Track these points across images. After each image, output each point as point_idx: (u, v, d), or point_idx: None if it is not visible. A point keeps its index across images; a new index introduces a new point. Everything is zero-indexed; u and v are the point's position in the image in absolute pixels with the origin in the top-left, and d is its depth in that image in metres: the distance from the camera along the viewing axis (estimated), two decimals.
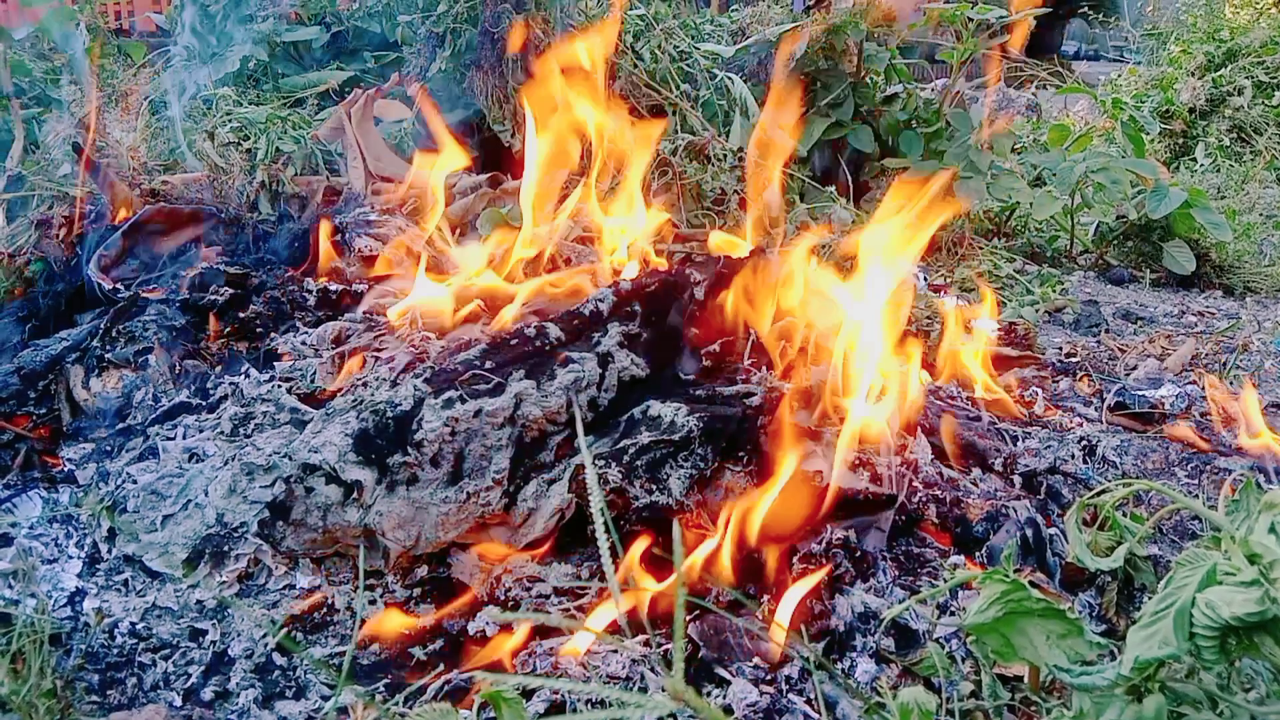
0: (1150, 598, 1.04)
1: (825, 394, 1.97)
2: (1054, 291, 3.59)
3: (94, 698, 1.48)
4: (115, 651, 1.57)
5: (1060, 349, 3.16)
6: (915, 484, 1.86)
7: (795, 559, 1.66)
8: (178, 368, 2.24)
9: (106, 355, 2.30)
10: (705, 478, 1.80)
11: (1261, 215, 5.03)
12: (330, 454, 1.75)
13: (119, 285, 2.56)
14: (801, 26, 4.62)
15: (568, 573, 1.71)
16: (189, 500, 1.84)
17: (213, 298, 2.40)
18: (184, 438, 2.03)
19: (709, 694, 1.45)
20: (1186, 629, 0.97)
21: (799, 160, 4.42)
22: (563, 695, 1.41)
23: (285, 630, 1.62)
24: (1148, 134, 5.26)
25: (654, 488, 1.72)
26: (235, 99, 3.89)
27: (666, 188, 3.91)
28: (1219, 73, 7.03)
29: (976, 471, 2.03)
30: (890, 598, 1.65)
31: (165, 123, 3.72)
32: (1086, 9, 10.50)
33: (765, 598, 1.62)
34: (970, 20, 4.44)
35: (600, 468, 1.72)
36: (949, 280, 3.75)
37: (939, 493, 1.86)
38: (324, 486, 1.74)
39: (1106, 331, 3.43)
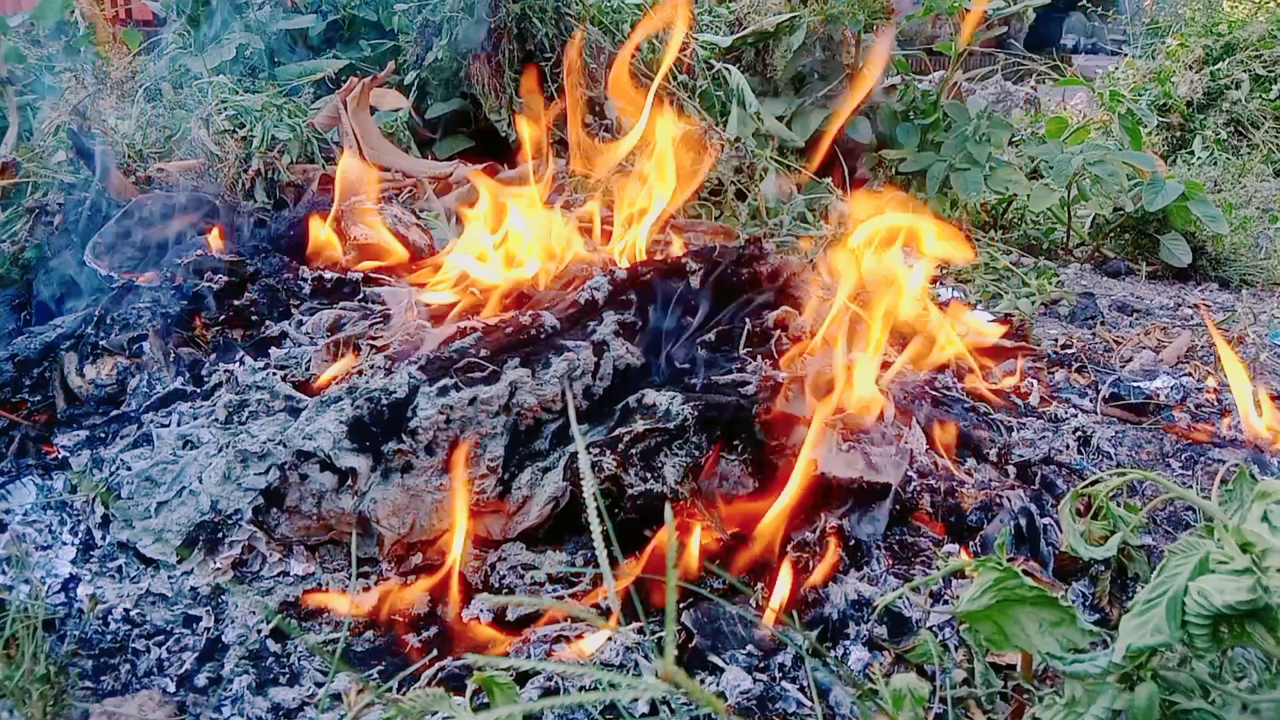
0: (1143, 587, 1.05)
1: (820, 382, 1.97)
2: (1050, 283, 3.59)
3: (87, 684, 1.47)
4: (109, 638, 1.56)
5: (1056, 341, 3.16)
6: (910, 473, 1.87)
7: (789, 547, 1.66)
8: (172, 354, 2.24)
9: (101, 342, 2.29)
10: (700, 466, 1.80)
11: (1258, 209, 5.03)
12: (325, 441, 1.75)
13: (114, 272, 2.55)
14: (799, 17, 4.61)
15: (562, 560, 1.71)
16: (183, 487, 1.84)
17: (208, 285, 2.40)
18: (178, 425, 2.03)
19: (702, 681, 1.45)
20: (1179, 617, 0.98)
21: (796, 151, 4.42)
22: (556, 681, 1.41)
23: (280, 616, 1.62)
24: (1145, 127, 5.27)
25: (649, 476, 1.72)
26: (231, 87, 3.87)
27: None
28: (1216, 66, 7.03)
29: (971, 461, 2.03)
30: (884, 586, 1.66)
31: (161, 110, 3.71)
32: (1086, 2, 10.49)
33: (759, 585, 1.62)
34: (967, 12, 4.43)
35: (595, 456, 1.72)
36: (945, 271, 3.75)
37: (933, 482, 1.86)
38: (318, 474, 1.74)
39: (1102, 324, 3.43)
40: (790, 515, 1.70)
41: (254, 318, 2.36)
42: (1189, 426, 2.42)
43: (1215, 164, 5.98)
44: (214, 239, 2.63)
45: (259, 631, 1.58)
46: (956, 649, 1.50)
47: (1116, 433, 2.33)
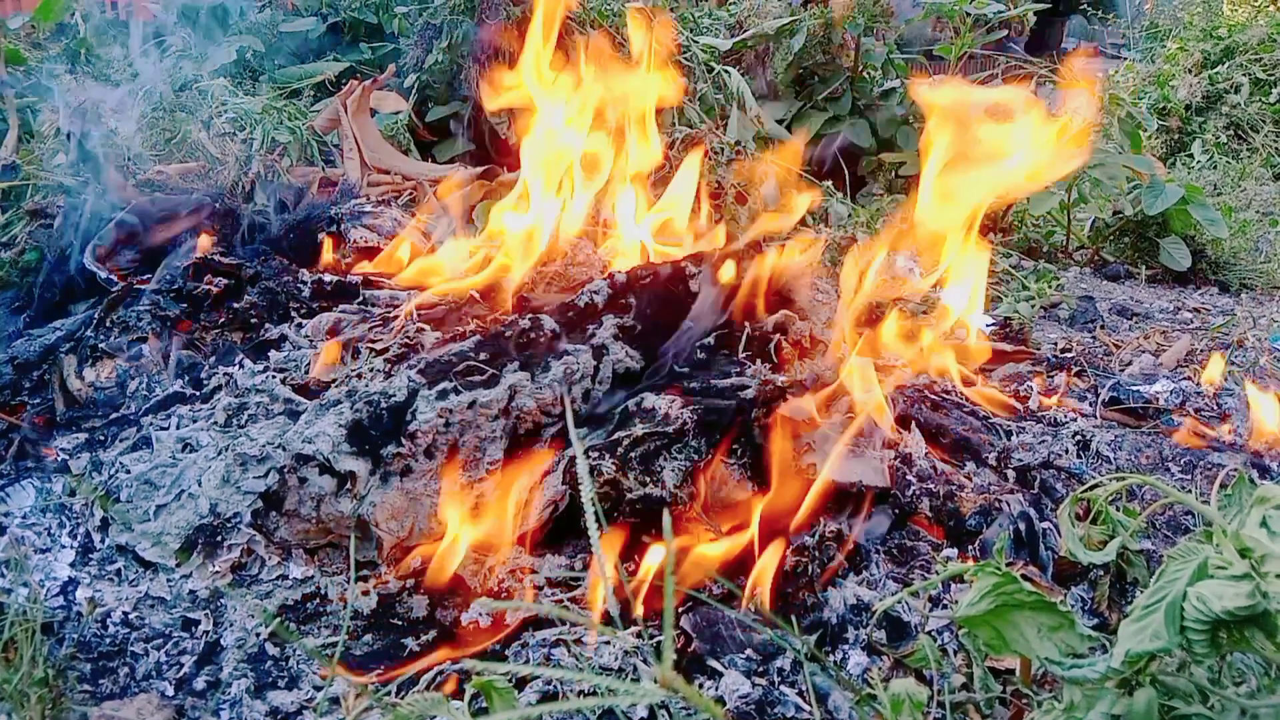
0: (1142, 592, 1.05)
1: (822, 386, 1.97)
2: (1050, 287, 3.59)
3: (86, 687, 1.47)
4: (107, 641, 1.56)
5: (1055, 344, 3.16)
6: (909, 477, 1.87)
7: (788, 551, 1.66)
8: (171, 357, 2.24)
9: (100, 345, 2.29)
10: (699, 470, 1.80)
11: (1257, 212, 5.03)
12: (324, 444, 1.75)
13: (113, 275, 2.55)
14: (799, 20, 4.62)
15: (561, 564, 1.71)
16: (182, 490, 1.84)
17: (207, 288, 2.40)
18: (178, 428, 2.03)
19: (701, 685, 1.45)
20: (1178, 622, 0.97)
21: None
22: (555, 685, 1.41)
23: (278, 620, 1.62)
24: (1145, 130, 5.26)
25: (647, 480, 1.72)
26: (231, 89, 3.88)
27: (663, 180, 3.91)
28: (1216, 70, 7.03)
29: (970, 465, 2.03)
30: (882, 590, 1.66)
31: (161, 112, 3.71)
32: (1086, 6, 10.51)
33: (758, 589, 1.62)
34: (968, 15, 4.44)
35: (594, 459, 1.72)
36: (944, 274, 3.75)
37: (933, 486, 1.86)
38: (317, 477, 1.73)
39: (1102, 327, 3.43)
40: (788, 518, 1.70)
41: (253, 320, 2.36)
42: (1188, 432, 2.42)
43: (1215, 167, 5.99)
44: (211, 242, 2.63)
45: (258, 635, 1.58)
46: (955, 654, 1.50)
47: (1116, 437, 2.32)
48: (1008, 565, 1.20)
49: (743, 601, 1.55)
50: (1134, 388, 2.68)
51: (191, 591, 1.67)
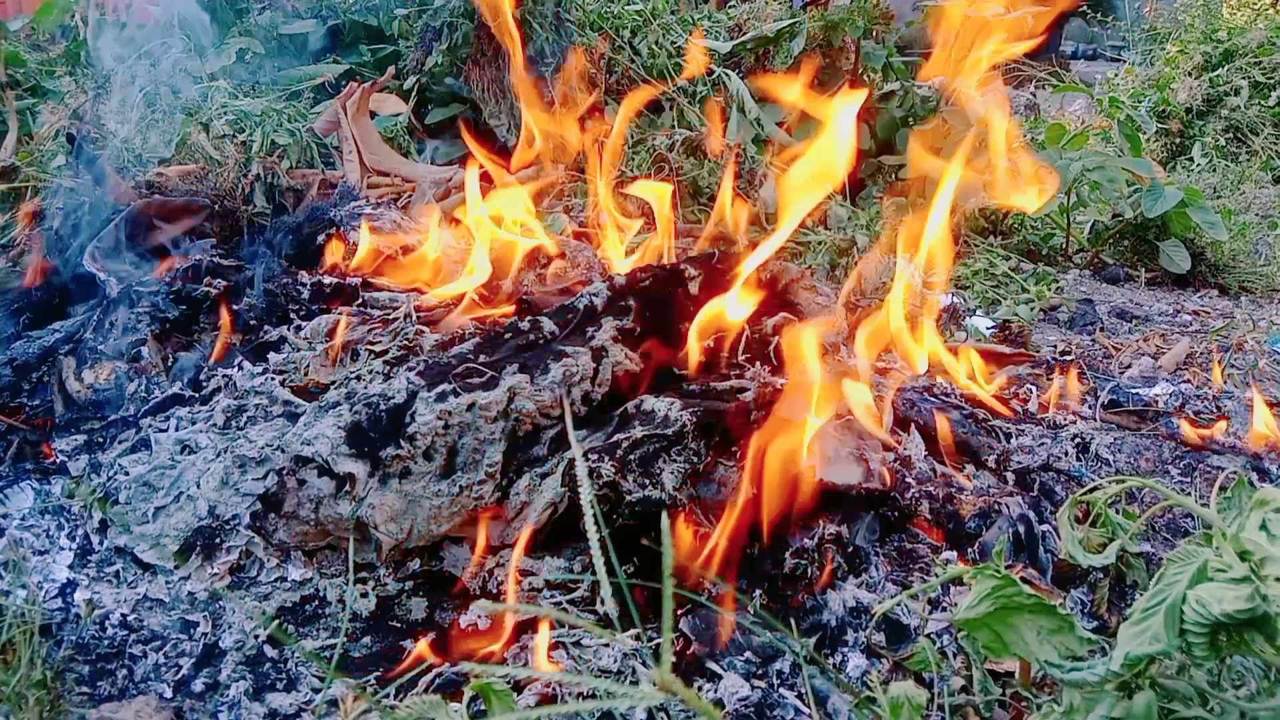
0: (1142, 594, 1.04)
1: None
2: (1049, 290, 3.59)
3: (84, 689, 1.47)
4: (106, 643, 1.56)
5: (1055, 347, 3.16)
6: (908, 480, 1.86)
7: (787, 554, 1.65)
8: (170, 359, 2.24)
9: (100, 347, 2.29)
10: (698, 472, 1.80)
11: (1257, 215, 5.03)
12: (323, 446, 1.75)
13: (112, 276, 2.55)
14: (799, 23, 4.62)
15: (560, 566, 1.71)
16: (181, 492, 1.84)
17: (205, 289, 2.39)
18: (176, 429, 2.03)
19: (700, 688, 1.45)
20: (1177, 625, 0.97)
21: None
22: (553, 688, 1.41)
23: (277, 622, 1.62)
24: (1144, 133, 5.27)
25: (647, 482, 1.71)
26: (231, 91, 3.88)
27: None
28: (1216, 73, 7.03)
29: (970, 468, 2.03)
30: (882, 593, 1.65)
31: (160, 114, 3.70)
32: (1085, 8, 10.50)
33: (758, 592, 1.62)
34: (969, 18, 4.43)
35: (593, 462, 1.72)
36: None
37: (932, 489, 1.86)
38: (316, 479, 1.73)
39: (1101, 330, 3.43)
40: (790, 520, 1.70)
41: (252, 322, 2.36)
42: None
43: (1214, 170, 5.98)
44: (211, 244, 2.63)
45: (256, 637, 1.57)
46: (955, 656, 1.50)
47: (1115, 439, 2.32)
48: (1007, 568, 1.20)
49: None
50: (1133, 390, 2.68)
51: (190, 593, 1.67)
